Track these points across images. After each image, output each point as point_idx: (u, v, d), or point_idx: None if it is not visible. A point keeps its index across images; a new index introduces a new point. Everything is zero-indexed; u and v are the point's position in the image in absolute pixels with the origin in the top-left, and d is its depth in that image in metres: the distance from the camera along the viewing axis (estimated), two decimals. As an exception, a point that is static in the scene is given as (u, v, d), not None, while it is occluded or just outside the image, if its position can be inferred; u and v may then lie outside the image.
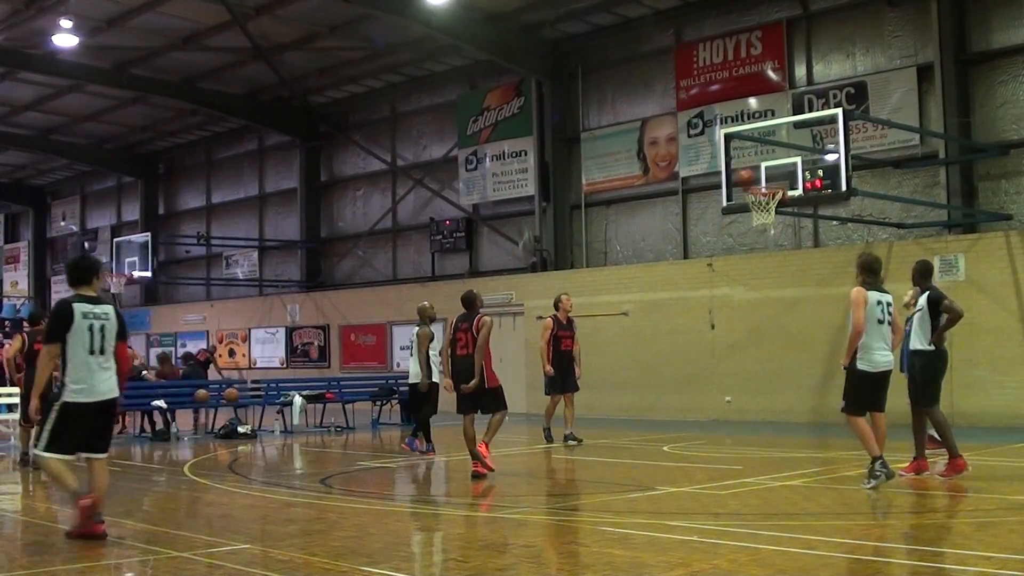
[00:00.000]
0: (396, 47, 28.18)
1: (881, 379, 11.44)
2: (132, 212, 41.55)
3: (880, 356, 11.37)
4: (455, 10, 24.52)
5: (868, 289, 11.43)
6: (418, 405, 16.64)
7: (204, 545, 8.72)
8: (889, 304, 11.48)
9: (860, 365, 11.33)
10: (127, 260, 32.13)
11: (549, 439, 17.04)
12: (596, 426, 20.56)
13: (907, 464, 12.21)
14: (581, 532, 9.19)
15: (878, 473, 11.07)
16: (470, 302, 13.20)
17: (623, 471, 14.23)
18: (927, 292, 12.14)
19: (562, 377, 17.18)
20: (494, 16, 25.43)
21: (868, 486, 11.09)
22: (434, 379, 16.16)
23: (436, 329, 16.84)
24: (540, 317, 25.16)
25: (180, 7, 25.82)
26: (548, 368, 17.08)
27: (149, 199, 40.53)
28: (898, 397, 11.91)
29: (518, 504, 11.28)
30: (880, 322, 11.37)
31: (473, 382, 12.76)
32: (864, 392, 11.36)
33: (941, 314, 11.94)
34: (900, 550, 8.19)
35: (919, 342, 12.04)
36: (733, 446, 16.80)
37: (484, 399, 13.01)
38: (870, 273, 11.60)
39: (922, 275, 12.33)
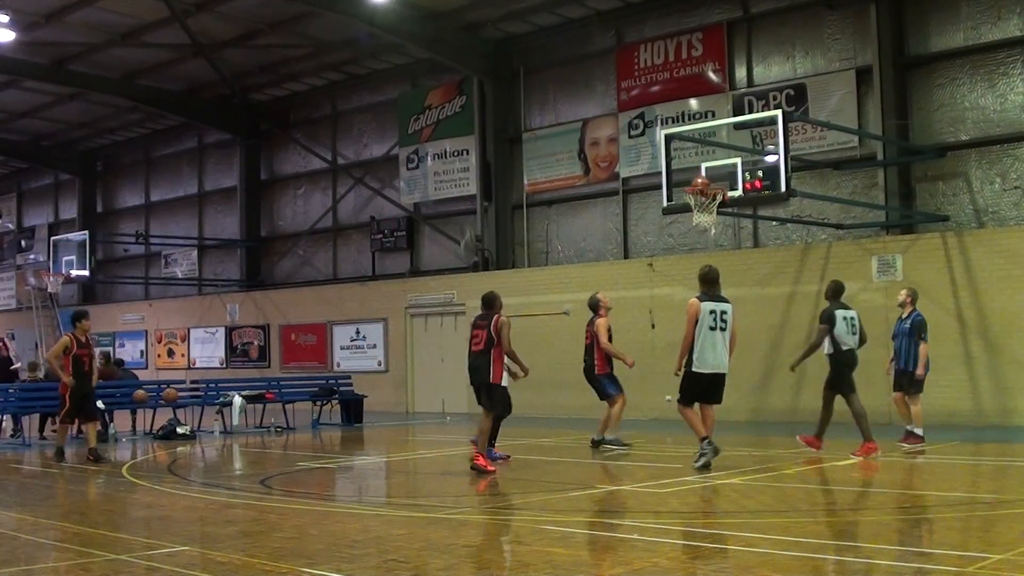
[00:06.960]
0: (337, 45, 28.05)
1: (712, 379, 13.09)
2: (70, 210, 40.95)
3: (711, 359, 12.97)
4: (397, 8, 24.44)
5: (703, 300, 12.84)
6: None
7: (142, 547, 8.63)
8: (724, 313, 12.86)
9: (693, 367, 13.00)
10: (64, 259, 31.65)
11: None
12: (537, 425, 20.60)
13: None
14: (522, 531, 9.20)
15: (705, 451, 12.65)
16: (490, 302, 13.57)
17: (564, 470, 14.27)
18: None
19: None
20: (436, 15, 25.37)
21: (697, 464, 12.50)
22: None
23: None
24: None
25: (120, 3, 25.51)
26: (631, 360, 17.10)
27: (87, 197, 40.02)
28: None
29: (459, 504, 11.27)
30: (712, 329, 12.67)
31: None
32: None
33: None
34: (837, 546, 8.27)
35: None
36: (673, 445, 16.89)
37: (482, 393, 13.42)
38: (707, 284, 13.08)
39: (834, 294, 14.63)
